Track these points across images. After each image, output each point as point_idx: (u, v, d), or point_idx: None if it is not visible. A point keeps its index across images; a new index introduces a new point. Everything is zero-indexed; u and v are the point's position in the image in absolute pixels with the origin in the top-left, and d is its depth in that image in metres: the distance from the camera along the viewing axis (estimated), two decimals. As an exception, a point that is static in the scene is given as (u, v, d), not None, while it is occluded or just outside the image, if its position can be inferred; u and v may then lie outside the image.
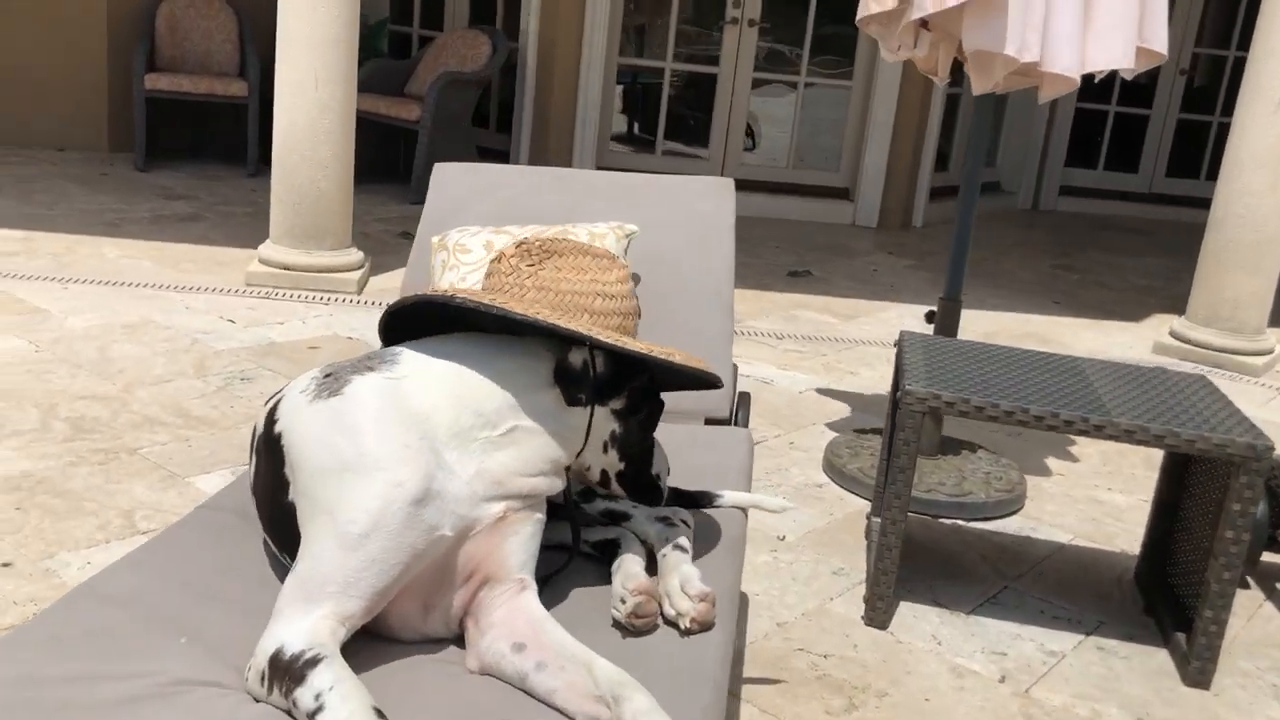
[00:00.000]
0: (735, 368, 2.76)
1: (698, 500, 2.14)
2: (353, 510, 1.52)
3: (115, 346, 3.99)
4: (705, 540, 1.98)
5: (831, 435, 3.91)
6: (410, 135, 6.82)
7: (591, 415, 1.68)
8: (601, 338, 1.60)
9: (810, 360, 4.78)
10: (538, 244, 1.78)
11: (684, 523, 1.93)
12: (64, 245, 5.22)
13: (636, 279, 2.65)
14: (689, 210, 2.96)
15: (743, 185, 7.42)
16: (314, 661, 1.40)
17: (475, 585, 1.62)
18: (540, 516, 1.67)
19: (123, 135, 7.29)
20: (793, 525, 3.19)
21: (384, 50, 7.97)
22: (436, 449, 1.55)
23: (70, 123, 7.29)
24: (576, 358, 1.64)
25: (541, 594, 1.70)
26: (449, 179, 3.04)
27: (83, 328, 4.14)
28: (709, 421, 2.62)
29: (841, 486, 3.49)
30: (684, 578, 1.73)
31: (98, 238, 5.40)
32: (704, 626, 1.67)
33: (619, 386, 1.69)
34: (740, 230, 7.29)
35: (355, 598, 1.49)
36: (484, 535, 1.60)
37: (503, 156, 7.60)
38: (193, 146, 7.54)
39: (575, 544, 1.82)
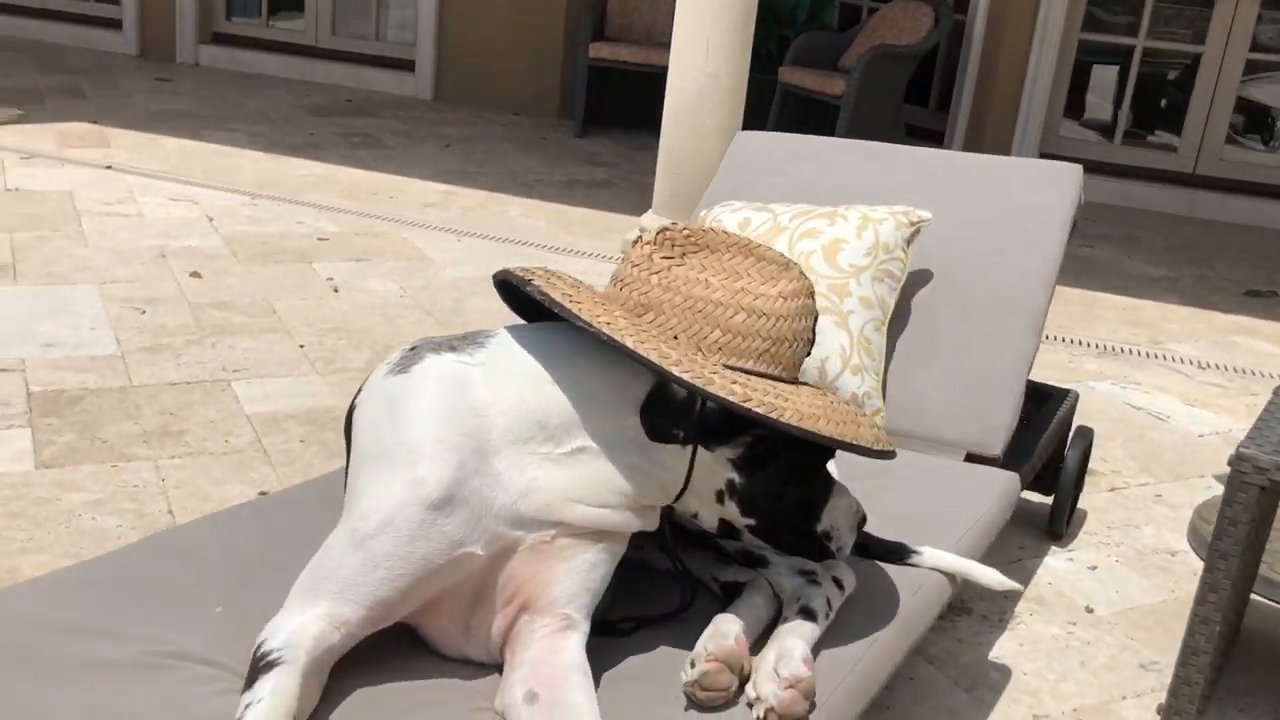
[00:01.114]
0: (1023, 400, 2.25)
1: (889, 554, 1.74)
2: (368, 503, 1.34)
3: (471, 300, 4.13)
4: (874, 607, 1.59)
5: (1216, 493, 3.18)
6: (833, 111, 6.54)
7: (694, 458, 1.39)
8: (681, 372, 1.30)
9: (1231, 399, 3.95)
10: (686, 234, 1.48)
11: (836, 582, 1.56)
12: (476, 201, 5.53)
13: (908, 286, 2.23)
14: (1015, 200, 2.47)
15: (1220, 184, 6.38)
16: (271, 665, 1.24)
17: (514, 612, 1.38)
18: (606, 549, 1.40)
19: (572, 102, 7.65)
20: (1112, 597, 2.60)
21: (830, 23, 7.72)
22: (484, 452, 1.33)
23: (526, 89, 7.78)
24: (681, 388, 1.33)
25: (634, 637, 1.45)
26: (747, 148, 2.77)
27: (452, 279, 4.33)
28: (970, 458, 2.16)
29: (1201, 559, 2.80)
30: (783, 652, 1.38)
31: (509, 196, 5.67)
32: (788, 720, 1.31)
33: (731, 432, 1.37)
34: (1199, 236, 6.27)
35: (353, 602, 1.31)
36: (528, 556, 1.36)
37: (936, 138, 7.09)
38: (631, 115, 7.76)
39: (683, 592, 1.51)
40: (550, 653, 1.34)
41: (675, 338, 1.43)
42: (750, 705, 1.35)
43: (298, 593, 1.35)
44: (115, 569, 1.49)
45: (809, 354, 1.55)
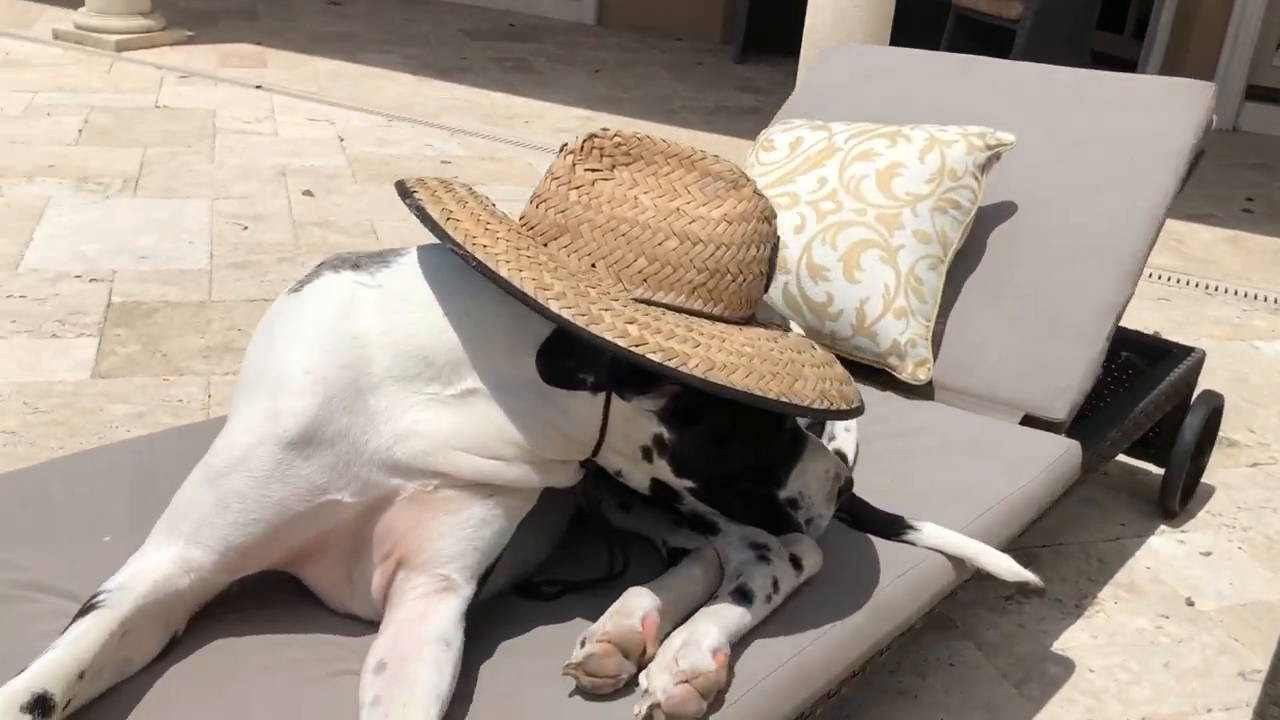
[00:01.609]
0: (1098, 357, 1.93)
1: (882, 527, 1.50)
2: (226, 436, 1.21)
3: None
4: (844, 590, 1.36)
5: (1382, 476, 2.73)
6: (1009, 37, 6.02)
7: (607, 408, 1.21)
8: (562, 307, 1.11)
9: None
10: (617, 142, 1.26)
11: (793, 561, 1.34)
12: (614, 127, 5.35)
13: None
14: (1126, 124, 2.12)
15: None
16: (91, 609, 1.13)
17: (392, 567, 1.23)
18: (500, 505, 1.23)
19: (734, 27, 7.34)
20: (1223, 589, 2.25)
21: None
22: (360, 388, 1.18)
23: (689, 14, 7.52)
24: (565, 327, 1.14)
25: (558, 603, 1.33)
26: (833, 63, 2.49)
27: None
28: (1028, 421, 1.86)
29: (1344, 552, 2.41)
30: (690, 639, 1.18)
31: (649, 123, 5.47)
32: (674, 720, 1.11)
33: (646, 380, 1.16)
34: None
35: (204, 546, 1.19)
36: (407, 507, 1.20)
37: (1129, 67, 6.45)
38: (794, 41, 7.38)
39: (611, 558, 1.33)
40: (417, 617, 1.18)
41: (593, 266, 1.22)
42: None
43: (156, 531, 1.23)
44: (14, 486, 1.41)
45: (766, 288, 1.32)
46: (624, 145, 1.27)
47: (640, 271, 1.22)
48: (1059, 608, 2.14)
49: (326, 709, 1.13)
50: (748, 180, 1.28)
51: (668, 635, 1.23)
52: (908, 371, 1.90)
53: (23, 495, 1.40)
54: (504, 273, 1.13)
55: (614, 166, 1.26)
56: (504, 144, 4.93)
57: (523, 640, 1.27)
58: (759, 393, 1.14)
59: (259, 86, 5.52)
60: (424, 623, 1.17)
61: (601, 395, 1.22)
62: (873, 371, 1.96)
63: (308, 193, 4.06)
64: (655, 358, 1.10)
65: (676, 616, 1.27)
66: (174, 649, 1.20)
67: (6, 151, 4.18)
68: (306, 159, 4.47)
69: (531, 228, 1.26)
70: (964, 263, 2.02)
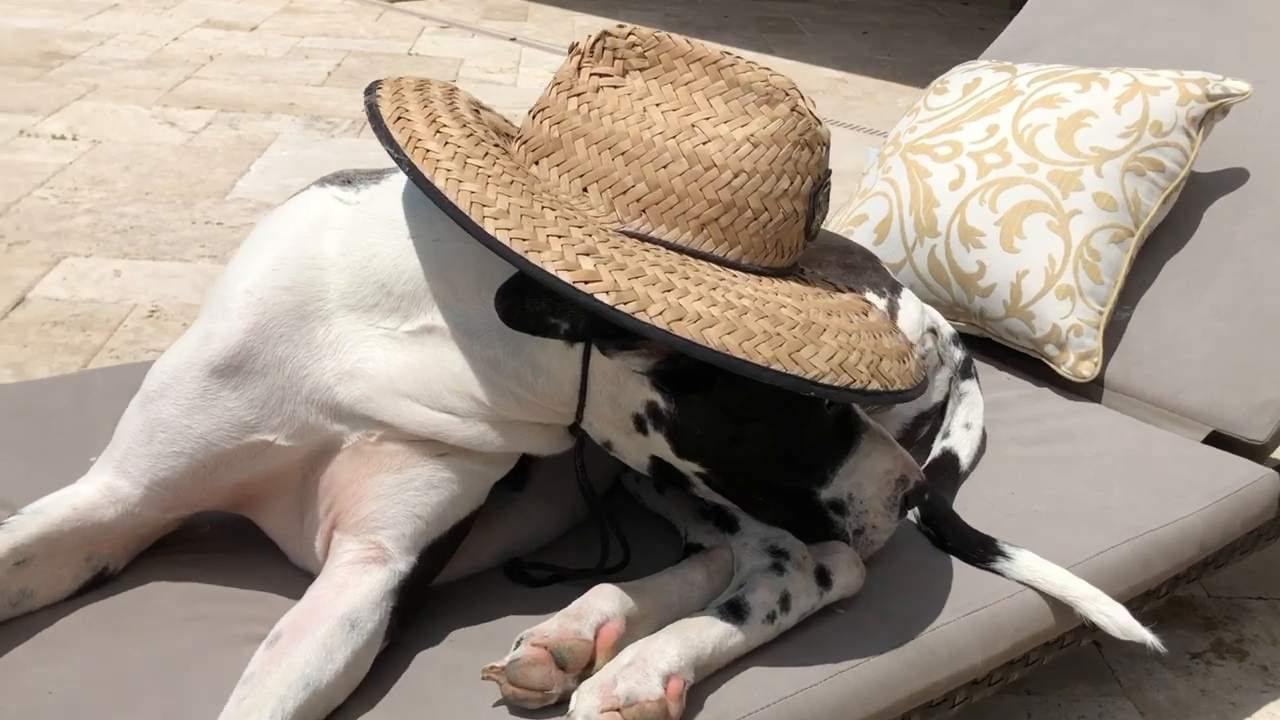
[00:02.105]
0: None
1: (967, 550, 1.21)
2: (162, 358, 1.08)
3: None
4: (882, 624, 1.10)
5: None
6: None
7: (586, 362, 1.00)
8: (498, 228, 0.91)
9: None
10: (631, 41, 1.02)
11: (819, 576, 1.09)
12: (864, 90, 5.03)
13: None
14: None
15: None
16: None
17: (328, 527, 1.07)
18: (453, 468, 1.05)
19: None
20: None
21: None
22: (305, 315, 1.02)
23: (977, -26, 6.99)
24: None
25: (547, 590, 1.13)
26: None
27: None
28: (1215, 440, 1.48)
29: None
30: (641, 658, 0.96)
31: (904, 86, 5.10)
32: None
33: (625, 333, 0.94)
34: None
35: (130, 477, 1.07)
36: (349, 458, 1.04)
37: None
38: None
39: (604, 546, 1.11)
40: (335, 588, 1.01)
41: (585, 190, 1.00)
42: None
43: (102, 454, 1.12)
44: (20, 396, 1.35)
45: (810, 233, 1.05)
46: (640, 46, 1.03)
47: (639, 200, 0.99)
48: (1262, 677, 1.72)
49: (210, 677, 0.98)
50: (788, 94, 1.02)
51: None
52: (1068, 364, 1.56)
53: (25, 405, 1.33)
54: (439, 181, 0.93)
55: (626, 72, 1.03)
56: (743, 103, 4.70)
57: (477, 631, 1.08)
58: (739, 355, 0.89)
59: (513, 39, 5.54)
60: (338, 596, 1.00)
61: (579, 348, 1.00)
62: (1031, 361, 1.62)
63: (524, 141, 3.99)
64: (605, 299, 0.88)
65: (658, 627, 1.04)
66: (103, 588, 1.10)
67: (257, 89, 4.35)
68: (535, 109, 4.41)
69: (525, 142, 1.06)
70: (1165, 239, 1.64)
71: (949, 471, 1.37)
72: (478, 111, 1.08)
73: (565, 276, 0.88)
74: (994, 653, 1.12)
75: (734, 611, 1.03)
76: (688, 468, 1.06)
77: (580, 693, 0.94)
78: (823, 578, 1.09)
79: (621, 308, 0.88)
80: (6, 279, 2.71)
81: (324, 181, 1.13)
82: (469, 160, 0.96)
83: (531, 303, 0.96)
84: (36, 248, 2.86)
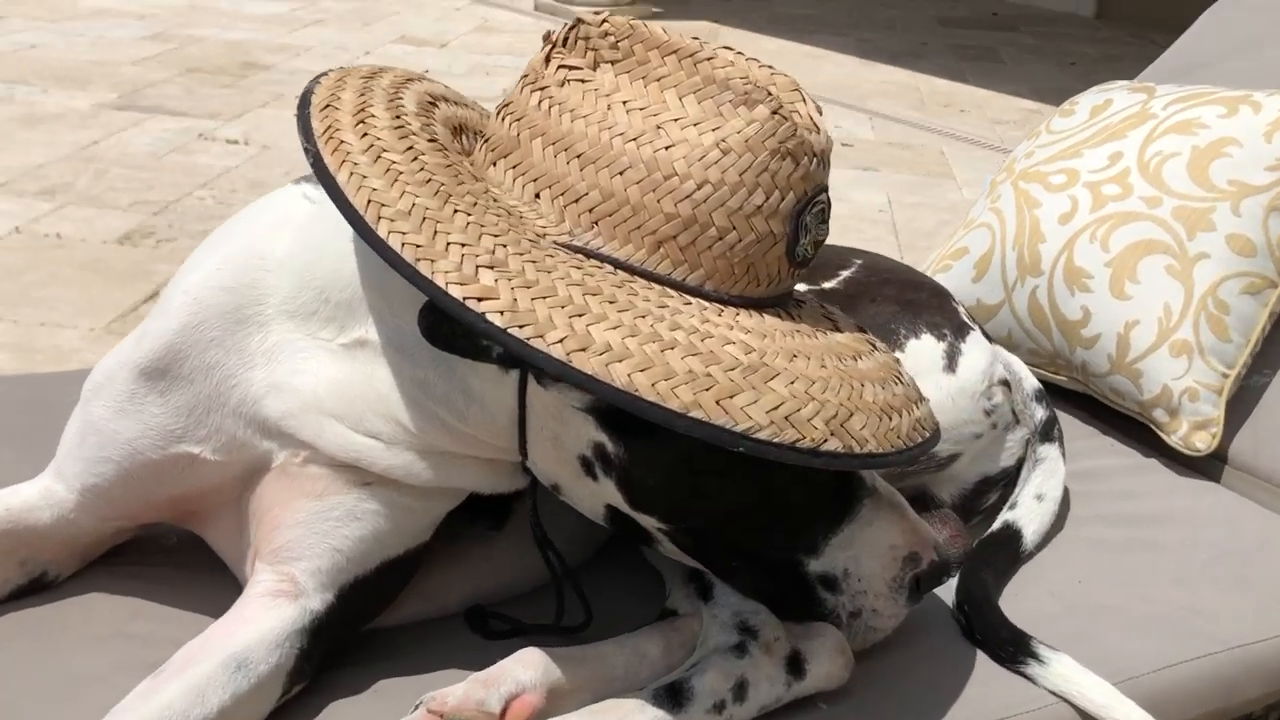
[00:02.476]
0: None
1: (995, 645, 1.02)
2: (104, 357, 1.02)
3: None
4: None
5: None
6: None
7: (523, 392, 0.88)
8: (390, 231, 0.81)
9: None
10: (605, 30, 0.87)
11: (790, 664, 0.94)
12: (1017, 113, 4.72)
13: None
14: None
15: None
16: None
17: (253, 553, 0.98)
18: (379, 499, 0.95)
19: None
20: None
21: None
22: (242, 320, 0.95)
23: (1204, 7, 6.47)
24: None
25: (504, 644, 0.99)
26: (1228, 15, 1.87)
27: (962, 201, 3.70)
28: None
29: None
30: (503, 689, 0.83)
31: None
32: None
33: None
34: None
35: (65, 480, 1.03)
36: (276, 479, 0.96)
37: None
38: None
39: (559, 602, 0.99)
40: (238, 624, 0.92)
41: (537, 196, 0.88)
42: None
43: None
44: (27, 388, 1.33)
45: (799, 260, 0.90)
46: (613, 35, 0.90)
47: (591, 209, 0.86)
48: None
49: (114, 701, 0.90)
50: (770, 95, 0.87)
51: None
52: (1179, 434, 1.32)
53: (31, 397, 1.31)
54: (342, 176, 0.82)
55: (597, 64, 0.90)
56: (925, 131, 4.48)
57: (410, 683, 0.96)
58: (649, 398, 0.75)
59: (696, 61, 5.47)
60: (236, 632, 0.90)
61: (514, 375, 0.87)
62: (1140, 427, 1.39)
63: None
64: (497, 320, 0.75)
65: (592, 701, 0.90)
66: (43, 595, 1.04)
67: (430, 103, 4.42)
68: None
69: (487, 141, 0.94)
70: (1318, 294, 1.38)
71: (1006, 549, 1.17)
72: (434, 104, 0.97)
73: (456, 291, 0.76)
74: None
75: (672, 696, 0.88)
76: (647, 522, 0.92)
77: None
78: (795, 665, 0.92)
79: (515, 331, 0.75)
80: (146, 273, 2.81)
81: (300, 179, 1.04)
82: (384, 154, 0.85)
83: (443, 322, 0.84)
84: (181, 245, 2.95)
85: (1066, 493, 1.26)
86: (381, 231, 0.80)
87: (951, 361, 1.19)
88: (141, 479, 0.98)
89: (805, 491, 0.92)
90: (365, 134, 0.87)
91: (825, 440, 0.79)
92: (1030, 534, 1.19)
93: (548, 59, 0.92)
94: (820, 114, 0.93)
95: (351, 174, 0.83)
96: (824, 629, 0.95)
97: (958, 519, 1.21)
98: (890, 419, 0.85)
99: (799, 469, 0.90)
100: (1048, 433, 1.25)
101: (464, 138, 0.97)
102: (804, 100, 0.91)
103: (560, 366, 0.75)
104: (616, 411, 0.86)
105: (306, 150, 0.86)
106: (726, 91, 0.87)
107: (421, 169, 0.85)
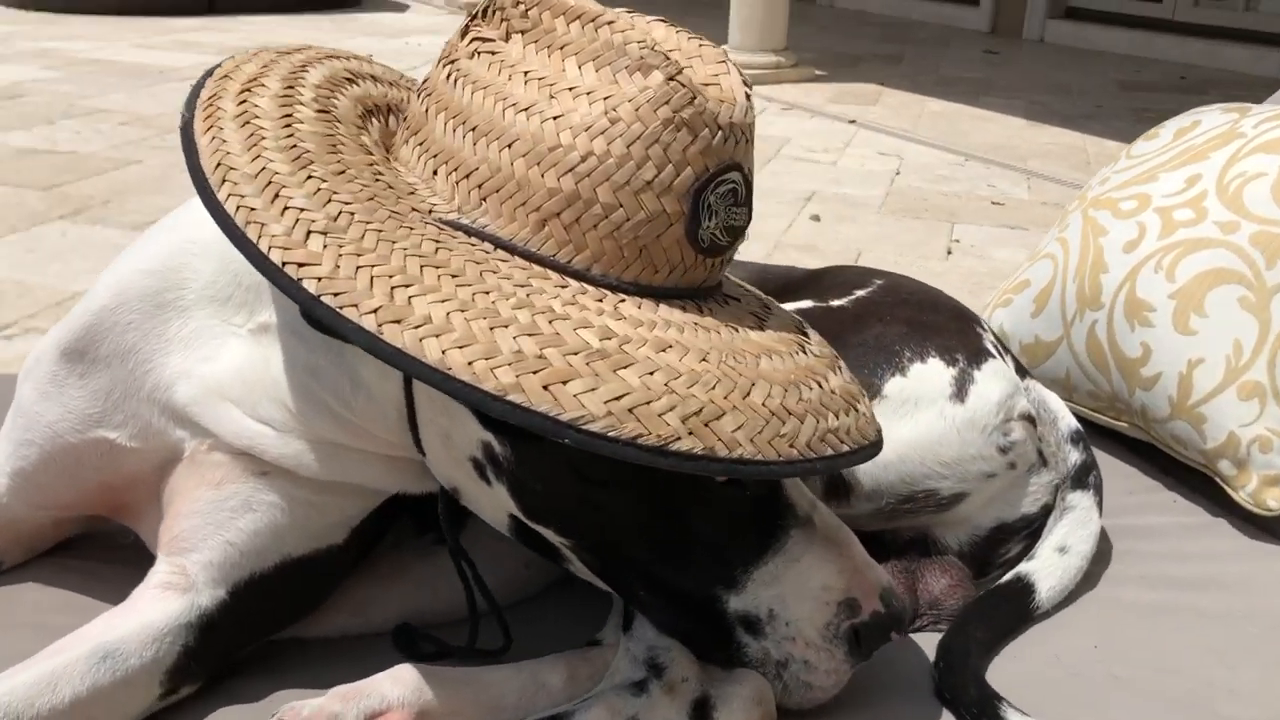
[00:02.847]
0: None
1: (961, 699, 0.89)
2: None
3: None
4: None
5: None
6: None
7: (409, 383, 0.84)
8: (229, 195, 0.77)
9: None
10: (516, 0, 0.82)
11: (693, 711, 0.84)
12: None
13: None
14: None
15: None
16: None
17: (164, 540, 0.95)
18: (273, 490, 0.90)
19: None
20: None
21: None
22: (162, 304, 0.94)
23: None
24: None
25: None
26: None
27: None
28: None
29: None
30: (364, 705, 0.77)
31: None
32: None
33: None
34: None
35: (1, 448, 1.00)
36: (186, 469, 0.93)
37: None
38: None
39: (472, 623, 0.92)
40: (120, 615, 0.88)
41: (434, 173, 0.83)
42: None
43: None
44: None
45: (699, 242, 0.80)
46: (525, 4, 0.84)
47: (480, 185, 0.80)
48: None
49: None
50: (669, 60, 0.79)
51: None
52: (1247, 489, 1.15)
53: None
54: (203, 142, 0.78)
55: (509, 35, 0.84)
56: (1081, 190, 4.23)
57: (305, 696, 0.89)
58: (461, 376, 0.68)
59: (852, 121, 5.37)
60: (117, 623, 0.86)
61: None
62: (1211, 482, 1.21)
63: (815, 218, 3.80)
64: (311, 288, 0.70)
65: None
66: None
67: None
68: (843, 187, 4.21)
69: (405, 120, 0.89)
70: None
71: (1012, 605, 1.02)
72: (353, 82, 0.92)
73: (276, 255, 0.71)
74: None
75: (545, 744, 0.79)
76: (549, 536, 0.84)
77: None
78: (700, 711, 0.81)
79: (327, 299, 0.69)
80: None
81: None
82: (253, 120, 0.81)
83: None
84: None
85: (1106, 550, 1.11)
86: (222, 195, 0.75)
87: (961, 390, 1.06)
88: (63, 464, 0.96)
89: (713, 514, 0.82)
90: (244, 102, 0.83)
91: (677, 439, 0.69)
92: (1045, 590, 1.04)
93: (464, 32, 0.87)
94: (747, 89, 0.84)
95: (213, 138, 0.79)
96: (745, 675, 0.84)
97: (963, 568, 1.07)
98: (783, 423, 0.74)
99: (701, 486, 0.80)
100: (1081, 479, 1.10)
101: (388, 118, 0.92)
102: (728, 72, 0.83)
103: (369, 338, 0.69)
104: None
105: (182, 115, 0.82)
106: (623, 57, 0.79)
107: (290, 136, 0.81)
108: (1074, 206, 1.43)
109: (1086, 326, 1.30)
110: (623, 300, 0.77)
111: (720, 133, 0.80)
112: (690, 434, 0.71)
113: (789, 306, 1.04)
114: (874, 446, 0.83)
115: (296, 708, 0.80)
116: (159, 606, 0.88)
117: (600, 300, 0.76)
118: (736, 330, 0.81)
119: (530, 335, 0.71)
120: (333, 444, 0.88)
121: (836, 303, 1.16)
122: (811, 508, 0.86)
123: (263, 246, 0.73)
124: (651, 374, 0.72)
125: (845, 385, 0.84)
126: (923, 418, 1.04)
